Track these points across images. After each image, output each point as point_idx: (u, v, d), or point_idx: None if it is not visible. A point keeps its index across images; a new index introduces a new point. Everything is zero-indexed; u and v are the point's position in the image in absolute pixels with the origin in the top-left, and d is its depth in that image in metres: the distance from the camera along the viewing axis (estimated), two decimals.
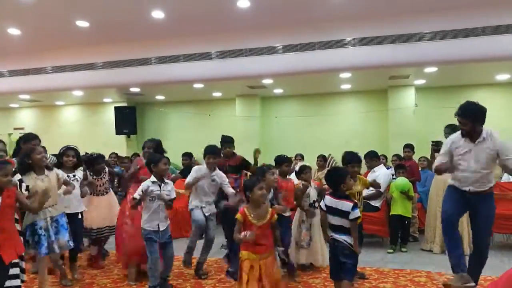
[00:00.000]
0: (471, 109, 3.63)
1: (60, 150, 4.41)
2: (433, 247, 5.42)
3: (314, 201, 4.54)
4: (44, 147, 4.41)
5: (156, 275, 3.85)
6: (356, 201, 3.62)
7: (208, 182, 4.46)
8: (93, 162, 4.85)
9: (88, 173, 4.64)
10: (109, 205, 4.91)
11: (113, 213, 4.78)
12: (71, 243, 3.94)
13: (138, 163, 4.58)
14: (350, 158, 4.40)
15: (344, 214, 3.29)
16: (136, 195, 3.77)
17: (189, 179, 4.48)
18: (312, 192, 4.56)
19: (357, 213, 3.28)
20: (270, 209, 3.29)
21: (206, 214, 4.45)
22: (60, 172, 3.99)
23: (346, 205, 3.29)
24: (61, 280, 4.26)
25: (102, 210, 4.81)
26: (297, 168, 4.75)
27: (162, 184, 3.88)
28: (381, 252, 5.42)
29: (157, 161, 3.92)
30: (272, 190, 3.95)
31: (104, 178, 4.92)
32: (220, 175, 4.50)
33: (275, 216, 3.27)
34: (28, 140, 4.35)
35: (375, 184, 4.88)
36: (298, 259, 4.53)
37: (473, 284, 3.56)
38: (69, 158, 4.31)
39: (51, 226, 3.78)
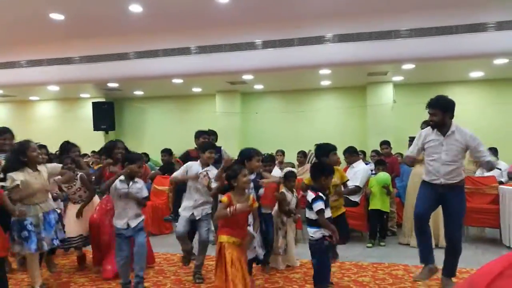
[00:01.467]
0: (441, 100, 3.79)
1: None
2: (410, 241, 5.52)
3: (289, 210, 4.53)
4: (43, 145, 4.48)
5: (126, 272, 3.84)
6: (326, 193, 3.52)
7: (201, 178, 4.19)
8: (67, 151, 4.71)
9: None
10: (84, 213, 4.60)
11: (87, 222, 4.50)
12: (56, 242, 3.89)
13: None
14: (326, 148, 4.52)
15: (309, 205, 3.34)
16: (102, 187, 3.93)
17: (177, 173, 4.34)
18: (293, 200, 4.57)
19: (317, 205, 3.26)
20: (251, 196, 3.38)
21: (197, 217, 4.16)
22: (50, 165, 4.00)
23: (310, 196, 3.34)
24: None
25: (75, 218, 4.51)
26: (282, 172, 4.80)
27: (131, 183, 3.80)
28: (360, 246, 5.50)
29: (132, 161, 3.86)
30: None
31: (75, 185, 4.56)
32: (213, 172, 4.21)
33: (256, 204, 3.39)
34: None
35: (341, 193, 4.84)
36: (275, 264, 4.56)
37: (437, 271, 3.73)
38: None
39: (42, 222, 3.73)
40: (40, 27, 7.21)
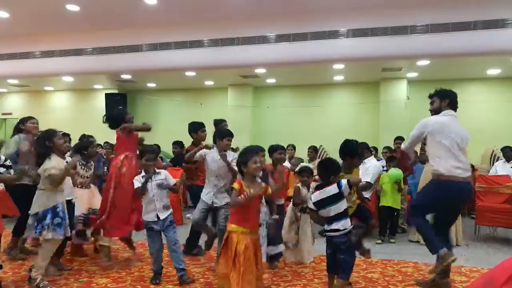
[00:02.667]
0: (441, 89, 3.90)
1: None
2: (421, 239, 5.48)
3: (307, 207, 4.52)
4: (66, 134, 4.48)
5: (159, 261, 3.96)
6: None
7: (220, 163, 4.15)
8: (85, 146, 4.77)
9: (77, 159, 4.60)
10: (91, 195, 4.76)
11: (95, 201, 4.68)
12: (72, 232, 4.10)
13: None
14: (354, 148, 4.03)
15: (334, 198, 3.29)
16: (137, 184, 3.88)
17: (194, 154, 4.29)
18: (309, 196, 4.53)
19: (345, 184, 3.26)
20: (263, 184, 3.32)
21: (216, 205, 4.16)
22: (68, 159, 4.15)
23: (332, 189, 3.30)
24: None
25: (84, 200, 4.62)
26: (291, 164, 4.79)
27: (153, 175, 3.90)
28: (370, 243, 5.48)
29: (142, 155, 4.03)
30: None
31: (91, 169, 4.71)
32: (231, 154, 4.18)
33: (270, 190, 3.34)
34: (26, 121, 4.61)
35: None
36: (285, 257, 4.58)
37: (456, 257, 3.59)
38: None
39: (66, 209, 3.82)
40: (55, 18, 7.28)
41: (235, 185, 3.20)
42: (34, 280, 3.59)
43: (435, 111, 3.87)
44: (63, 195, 3.81)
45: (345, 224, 3.31)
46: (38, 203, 3.66)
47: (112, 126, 4.55)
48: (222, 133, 4.28)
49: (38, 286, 3.57)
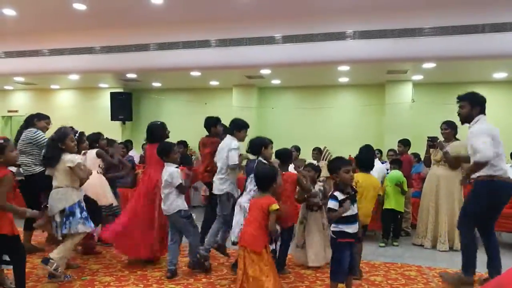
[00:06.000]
0: (470, 93, 3.94)
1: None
2: (424, 242, 5.46)
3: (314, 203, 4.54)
4: (82, 133, 4.74)
5: (175, 253, 4.08)
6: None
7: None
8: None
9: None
10: (100, 183, 4.88)
11: (105, 193, 4.88)
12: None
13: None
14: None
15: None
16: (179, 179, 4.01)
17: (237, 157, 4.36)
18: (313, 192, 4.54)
19: (329, 203, 3.24)
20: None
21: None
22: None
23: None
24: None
25: (94, 189, 4.71)
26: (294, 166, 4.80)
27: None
28: (373, 246, 5.46)
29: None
30: None
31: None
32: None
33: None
34: (42, 118, 4.89)
35: None
36: (293, 257, 4.58)
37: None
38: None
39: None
40: (62, 16, 7.31)
41: (274, 207, 3.14)
42: (56, 270, 3.70)
43: (465, 116, 3.87)
44: (81, 191, 3.96)
45: (333, 226, 3.30)
46: (64, 200, 3.77)
47: (150, 139, 4.57)
48: (240, 125, 4.48)
49: (57, 270, 3.70)
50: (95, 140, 5.19)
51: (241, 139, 4.42)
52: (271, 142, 4.19)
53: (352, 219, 3.26)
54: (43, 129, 4.83)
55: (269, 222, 3.16)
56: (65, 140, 3.85)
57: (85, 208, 3.91)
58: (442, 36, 6.47)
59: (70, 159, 3.80)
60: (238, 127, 4.44)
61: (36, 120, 4.85)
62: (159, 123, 4.65)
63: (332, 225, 3.29)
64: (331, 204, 3.23)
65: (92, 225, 3.96)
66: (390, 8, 6.55)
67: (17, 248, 3.24)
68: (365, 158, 4.22)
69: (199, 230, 4.44)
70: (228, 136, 4.50)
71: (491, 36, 6.32)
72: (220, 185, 4.37)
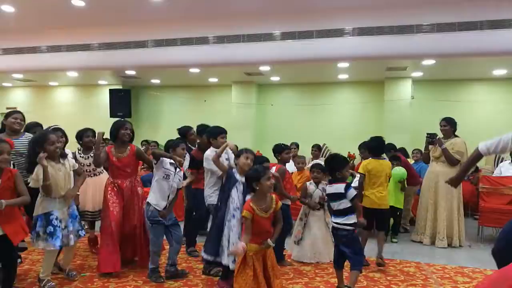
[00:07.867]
0: None
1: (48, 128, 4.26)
2: (423, 239, 5.47)
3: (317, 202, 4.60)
4: (61, 129, 4.33)
5: (157, 257, 3.90)
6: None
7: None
8: (81, 136, 4.70)
9: (77, 152, 4.60)
10: (100, 188, 4.71)
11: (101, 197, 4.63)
12: (83, 232, 3.78)
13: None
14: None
15: (340, 196, 3.43)
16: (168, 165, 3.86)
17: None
18: (317, 193, 4.59)
19: (352, 192, 3.41)
20: (274, 196, 3.14)
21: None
22: (71, 161, 3.82)
23: (340, 187, 3.45)
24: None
25: (94, 192, 4.57)
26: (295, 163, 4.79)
27: (177, 169, 3.93)
28: (372, 242, 5.46)
29: (175, 146, 4.01)
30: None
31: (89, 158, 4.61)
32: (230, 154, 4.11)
33: (280, 203, 3.17)
34: (10, 115, 4.17)
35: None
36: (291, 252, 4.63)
37: None
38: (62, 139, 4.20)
39: (68, 216, 3.57)
40: (61, 13, 7.29)
41: (246, 214, 2.95)
42: (42, 281, 3.59)
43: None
44: (62, 201, 3.53)
45: (348, 219, 3.41)
46: (35, 209, 3.49)
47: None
48: (215, 131, 4.13)
49: (44, 286, 3.55)
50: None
51: (218, 146, 3.94)
52: (268, 161, 4.13)
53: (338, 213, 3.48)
54: (12, 125, 4.15)
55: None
56: (44, 145, 3.43)
57: (55, 223, 3.43)
58: (442, 33, 6.46)
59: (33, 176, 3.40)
60: (212, 135, 4.13)
61: (4, 119, 4.24)
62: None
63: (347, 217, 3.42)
64: (354, 191, 3.47)
65: (57, 244, 3.42)
66: (389, 5, 6.54)
67: (11, 251, 3.22)
68: (375, 144, 4.49)
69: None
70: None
71: (491, 33, 6.31)
72: (208, 197, 4.20)
